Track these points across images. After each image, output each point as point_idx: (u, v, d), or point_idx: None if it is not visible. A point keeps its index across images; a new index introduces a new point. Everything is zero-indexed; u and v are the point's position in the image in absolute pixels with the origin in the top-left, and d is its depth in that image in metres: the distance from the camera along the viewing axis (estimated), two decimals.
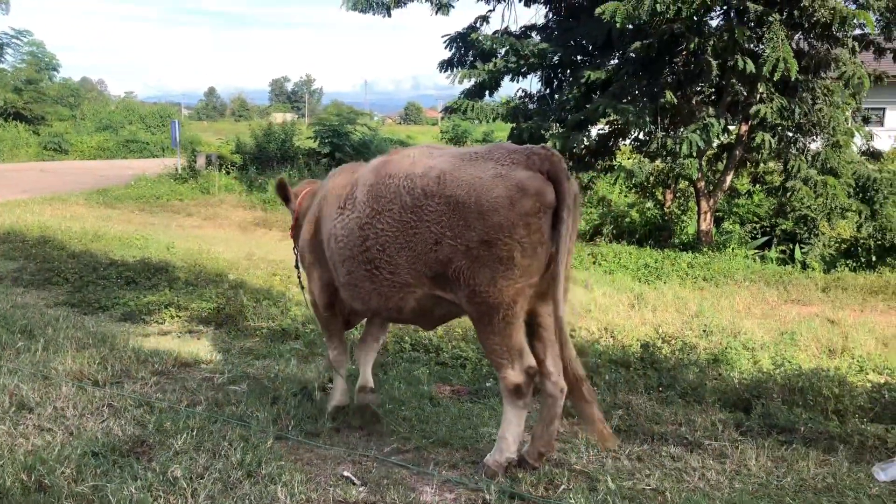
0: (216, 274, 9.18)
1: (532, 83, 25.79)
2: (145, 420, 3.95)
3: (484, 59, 15.61)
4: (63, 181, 22.58)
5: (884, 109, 25.22)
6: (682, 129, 13.51)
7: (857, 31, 13.58)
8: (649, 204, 16.97)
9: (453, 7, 16.81)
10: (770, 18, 12.10)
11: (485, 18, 16.90)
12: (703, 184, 14.68)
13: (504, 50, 15.45)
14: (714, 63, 12.63)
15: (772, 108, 12.91)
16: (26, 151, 32.97)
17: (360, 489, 3.30)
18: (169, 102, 66.57)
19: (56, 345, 5.40)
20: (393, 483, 3.35)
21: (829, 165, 13.61)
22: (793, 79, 12.18)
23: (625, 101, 13.70)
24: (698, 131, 12.86)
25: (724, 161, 15.00)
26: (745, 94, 13.53)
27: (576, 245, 3.55)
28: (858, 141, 15.06)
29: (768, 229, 15.57)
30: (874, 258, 13.74)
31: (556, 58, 15.30)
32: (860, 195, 14.18)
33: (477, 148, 3.48)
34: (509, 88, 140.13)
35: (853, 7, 12.59)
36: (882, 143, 17.65)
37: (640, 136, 14.95)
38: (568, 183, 3.20)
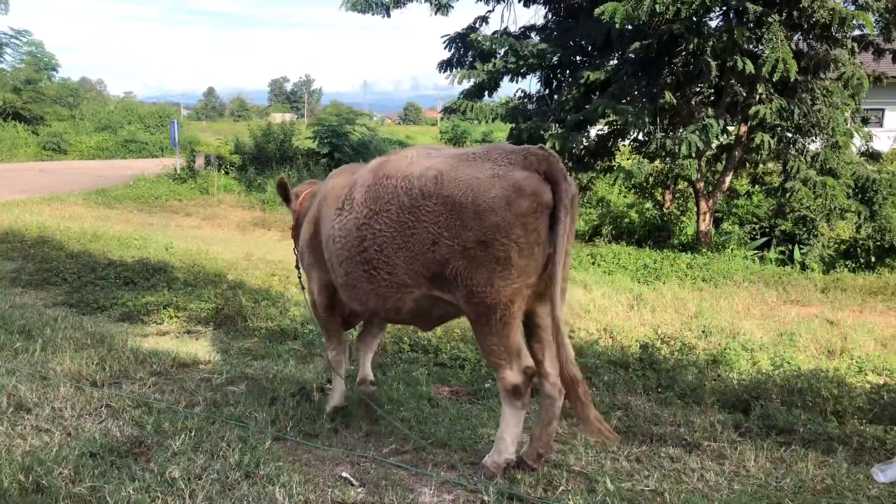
0: (215, 274, 9.17)
1: (531, 84, 25.86)
2: (143, 421, 3.95)
3: (483, 60, 15.60)
4: (62, 181, 22.56)
5: (883, 110, 25.24)
6: (681, 130, 13.50)
7: (857, 32, 13.58)
8: (648, 204, 16.97)
9: (452, 7, 16.82)
10: (769, 19, 12.10)
11: (484, 19, 16.90)
12: (702, 184, 14.68)
13: (503, 50, 15.44)
14: (713, 64, 12.62)
15: (771, 108, 12.91)
16: (25, 151, 32.94)
17: (359, 490, 3.29)
18: (168, 102, 66.60)
19: (54, 345, 5.40)
20: (391, 484, 3.34)
21: (828, 166, 13.62)
22: (792, 79, 12.19)
23: (624, 101, 13.69)
24: (697, 132, 12.86)
25: (724, 162, 15.00)
26: (745, 94, 13.53)
27: (575, 246, 3.56)
28: (857, 142, 15.07)
29: (767, 230, 15.57)
30: (873, 259, 13.76)
31: (555, 58, 15.29)
32: (859, 196, 14.18)
33: (475, 149, 3.48)
34: (508, 89, 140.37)
35: (852, 8, 12.59)
36: (881, 143, 17.67)
37: (640, 137, 14.95)
38: (565, 183, 3.20)
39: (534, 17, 23.41)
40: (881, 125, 24.30)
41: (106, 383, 4.67)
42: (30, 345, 5.32)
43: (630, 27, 13.13)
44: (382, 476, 3.44)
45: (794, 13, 12.52)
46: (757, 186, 16.18)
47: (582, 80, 14.01)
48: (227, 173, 23.30)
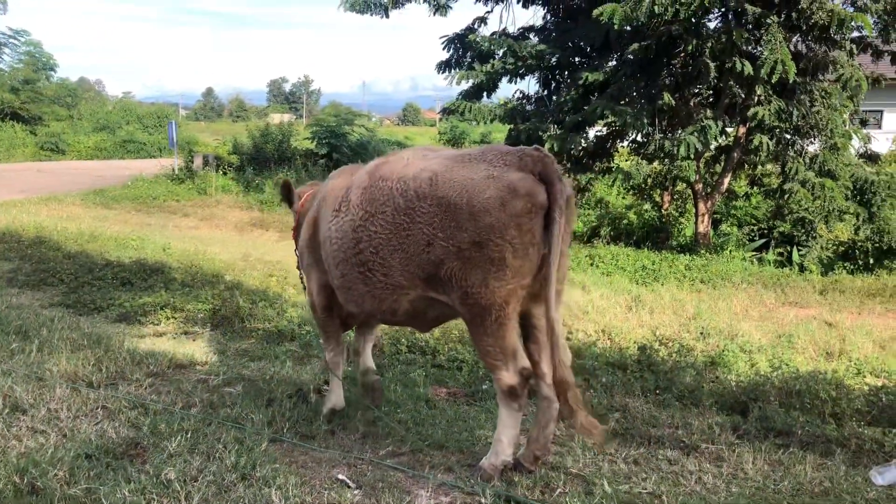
0: (212, 275, 9.16)
1: (530, 84, 25.74)
2: (139, 422, 3.93)
3: (482, 61, 15.60)
4: (60, 181, 22.54)
5: (881, 112, 25.26)
6: (679, 131, 13.51)
7: (855, 34, 13.62)
8: (647, 206, 16.98)
9: (451, 8, 16.81)
10: (768, 21, 12.12)
11: (483, 20, 16.90)
12: (700, 186, 14.69)
13: (502, 51, 15.45)
14: (712, 65, 12.63)
15: (769, 110, 12.92)
16: (23, 151, 32.93)
17: (355, 492, 3.28)
18: (166, 103, 66.36)
19: (51, 346, 5.38)
20: (388, 486, 3.33)
21: (826, 168, 13.64)
22: (790, 81, 12.21)
23: (622, 102, 13.71)
24: (696, 133, 12.87)
25: (722, 163, 15.01)
26: (743, 96, 13.54)
27: (573, 247, 3.55)
28: (856, 143, 15.10)
29: (766, 231, 15.59)
30: (872, 261, 13.77)
31: (553, 59, 15.30)
32: (858, 198, 14.19)
33: (471, 150, 3.49)
34: (507, 90, 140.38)
35: (851, 10, 12.61)
36: (879, 145, 17.70)
37: (638, 138, 14.97)
38: (560, 184, 3.19)
39: (532, 18, 23.48)
40: (880, 127, 24.33)
41: (102, 384, 4.65)
42: (26, 345, 5.30)
43: (629, 28, 13.14)
44: (379, 478, 3.43)
45: (793, 15, 12.54)
46: (755, 188, 16.19)
47: (580, 82, 14.01)
48: (225, 174, 23.29)
